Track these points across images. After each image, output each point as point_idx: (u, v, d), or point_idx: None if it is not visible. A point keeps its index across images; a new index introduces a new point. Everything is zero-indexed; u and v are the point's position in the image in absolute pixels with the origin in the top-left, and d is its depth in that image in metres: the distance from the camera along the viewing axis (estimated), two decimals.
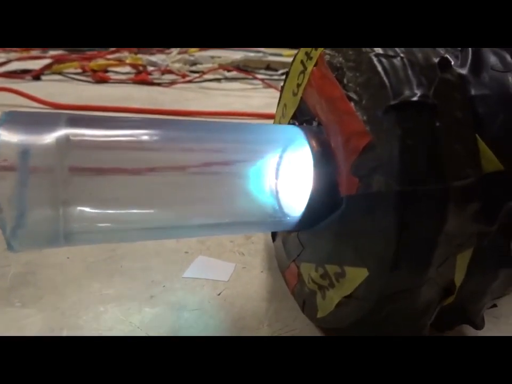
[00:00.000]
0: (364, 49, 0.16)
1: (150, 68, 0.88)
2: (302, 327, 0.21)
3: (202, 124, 0.20)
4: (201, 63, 0.90)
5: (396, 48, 0.16)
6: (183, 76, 0.86)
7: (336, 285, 0.17)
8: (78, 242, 0.16)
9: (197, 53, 1.01)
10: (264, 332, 0.21)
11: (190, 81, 0.82)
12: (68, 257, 0.26)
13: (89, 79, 0.82)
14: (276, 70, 0.91)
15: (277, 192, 0.20)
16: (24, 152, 0.13)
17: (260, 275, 0.25)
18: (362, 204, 0.15)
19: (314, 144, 0.18)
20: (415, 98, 0.14)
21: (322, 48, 0.19)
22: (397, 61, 0.15)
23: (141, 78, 0.81)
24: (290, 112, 0.22)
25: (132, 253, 0.27)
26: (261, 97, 0.75)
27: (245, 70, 0.84)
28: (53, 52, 1.06)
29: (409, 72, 0.15)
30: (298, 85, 0.21)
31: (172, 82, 0.81)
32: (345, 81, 0.17)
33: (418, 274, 0.14)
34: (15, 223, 0.14)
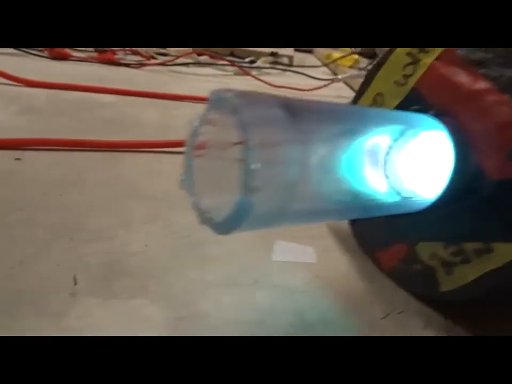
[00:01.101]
0: None
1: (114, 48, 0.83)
2: (410, 302, 0.23)
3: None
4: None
5: None
6: (148, 58, 0.82)
7: (475, 260, 0.19)
8: (256, 228, 0.16)
9: None
10: (377, 310, 0.22)
11: (161, 64, 0.78)
12: (146, 245, 0.25)
13: (44, 54, 0.75)
14: (242, 58, 0.91)
15: (398, 175, 0.21)
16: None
17: (343, 257, 0.26)
18: None
19: (452, 131, 0.19)
20: None
21: None
22: None
23: (107, 57, 0.76)
24: (394, 101, 0.23)
25: (206, 238, 0.26)
26: (239, 84, 0.75)
27: (217, 55, 0.82)
28: None
29: None
30: (407, 76, 0.22)
31: (141, 64, 0.77)
32: (493, 74, 0.18)
33: None
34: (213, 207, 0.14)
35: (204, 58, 0.82)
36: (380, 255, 0.25)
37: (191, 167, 0.16)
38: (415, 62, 0.22)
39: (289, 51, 1.11)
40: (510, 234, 0.18)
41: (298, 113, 0.14)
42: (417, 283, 0.22)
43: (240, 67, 0.77)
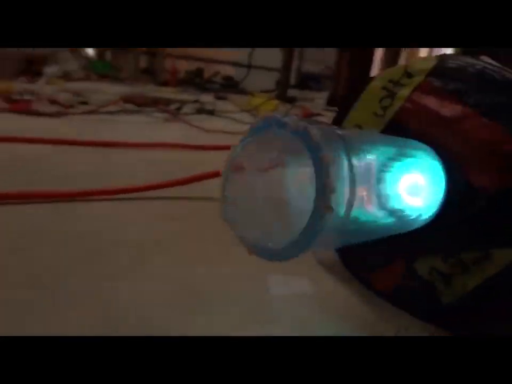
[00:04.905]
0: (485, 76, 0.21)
1: (26, 97, 0.77)
2: (413, 318, 0.24)
3: None
4: (85, 95, 0.84)
5: None
6: (67, 107, 0.78)
7: (474, 269, 0.21)
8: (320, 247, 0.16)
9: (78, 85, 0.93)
10: (381, 329, 0.23)
11: (85, 113, 0.75)
12: (136, 294, 0.23)
13: None
14: (167, 105, 0.91)
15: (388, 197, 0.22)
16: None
17: (337, 285, 0.27)
18: None
19: (439, 154, 0.21)
20: None
21: (422, 76, 0.23)
22: None
23: (21, 107, 0.71)
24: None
25: (198, 283, 0.25)
26: (173, 130, 0.74)
27: (143, 102, 0.81)
28: None
29: None
30: (385, 108, 0.24)
31: (60, 113, 0.73)
32: (470, 101, 0.21)
33: None
34: None
35: (130, 106, 0.80)
36: (375, 278, 0.25)
37: (232, 200, 0.15)
38: (392, 95, 0.24)
39: (209, 98, 1.14)
40: (506, 240, 0.20)
41: (347, 137, 0.15)
42: (417, 300, 0.23)
43: (170, 113, 0.77)
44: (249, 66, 1.48)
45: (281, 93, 1.10)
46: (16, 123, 0.66)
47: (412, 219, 0.22)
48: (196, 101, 0.97)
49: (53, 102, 0.77)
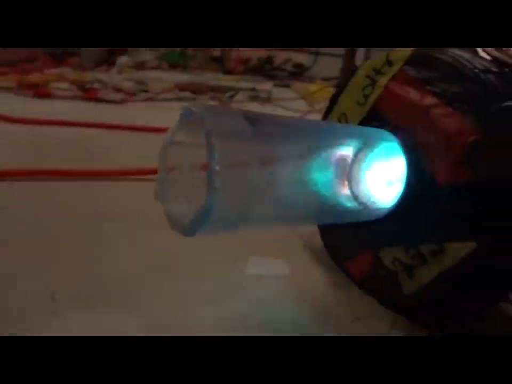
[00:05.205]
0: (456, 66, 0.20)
1: (96, 85, 0.85)
2: (379, 307, 0.24)
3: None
4: (146, 84, 0.90)
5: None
6: (131, 95, 0.85)
7: (431, 261, 0.20)
8: (220, 229, 0.17)
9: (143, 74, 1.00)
10: (347, 316, 0.23)
11: (145, 100, 0.81)
12: (124, 264, 0.26)
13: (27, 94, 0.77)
14: (223, 93, 0.94)
15: (358, 186, 0.22)
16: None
17: (315, 270, 0.27)
18: (477, 188, 0.19)
19: (404, 144, 0.21)
20: None
21: (400, 65, 0.23)
22: (492, 75, 0.19)
23: (90, 95, 0.79)
24: (355, 120, 0.25)
25: (181, 256, 0.27)
26: None
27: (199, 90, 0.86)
28: None
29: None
30: (366, 96, 0.24)
31: (124, 101, 0.79)
32: (438, 91, 0.20)
33: None
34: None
35: (185, 94, 0.85)
36: (349, 265, 0.26)
37: (164, 180, 0.17)
38: (373, 83, 0.24)
39: (268, 86, 1.16)
40: (458, 234, 0.19)
41: (260, 124, 0.16)
42: (383, 289, 0.23)
43: (221, 101, 0.80)
44: (316, 54, 1.46)
45: (342, 80, 1.08)
46: (81, 109, 0.73)
47: (372, 208, 0.22)
48: (252, 89, 0.99)
49: (118, 90, 0.84)
